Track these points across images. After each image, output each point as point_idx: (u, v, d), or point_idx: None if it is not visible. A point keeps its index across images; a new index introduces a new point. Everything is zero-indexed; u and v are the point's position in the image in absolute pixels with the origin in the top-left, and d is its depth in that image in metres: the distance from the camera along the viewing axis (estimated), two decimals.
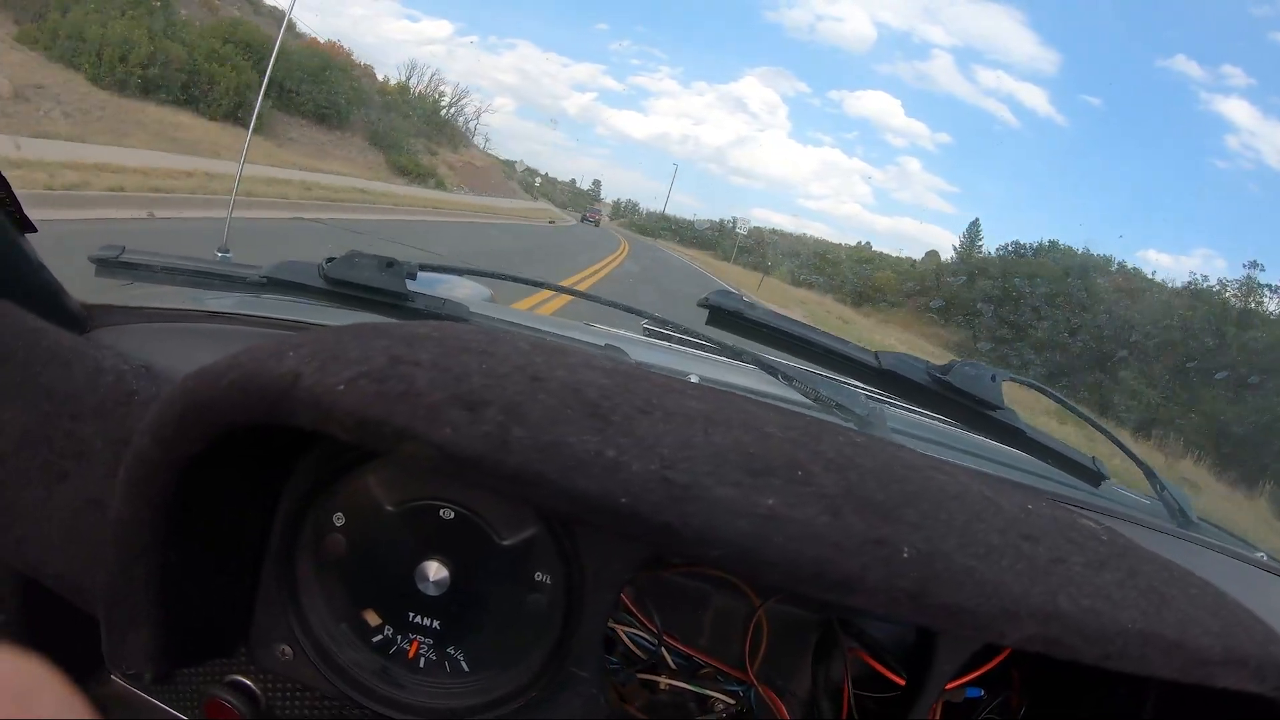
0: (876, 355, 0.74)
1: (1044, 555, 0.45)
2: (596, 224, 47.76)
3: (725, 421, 0.45)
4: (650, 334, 1.10)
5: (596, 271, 14.43)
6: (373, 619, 0.57)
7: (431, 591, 0.55)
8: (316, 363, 0.42)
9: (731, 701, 0.64)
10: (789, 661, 0.66)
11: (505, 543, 0.54)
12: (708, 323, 0.71)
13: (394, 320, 0.64)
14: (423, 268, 0.73)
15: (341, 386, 0.41)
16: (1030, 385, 0.89)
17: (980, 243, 36.74)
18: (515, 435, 0.39)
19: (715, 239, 57.59)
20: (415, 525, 0.55)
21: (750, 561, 0.38)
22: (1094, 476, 0.87)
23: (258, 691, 0.61)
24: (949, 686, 0.65)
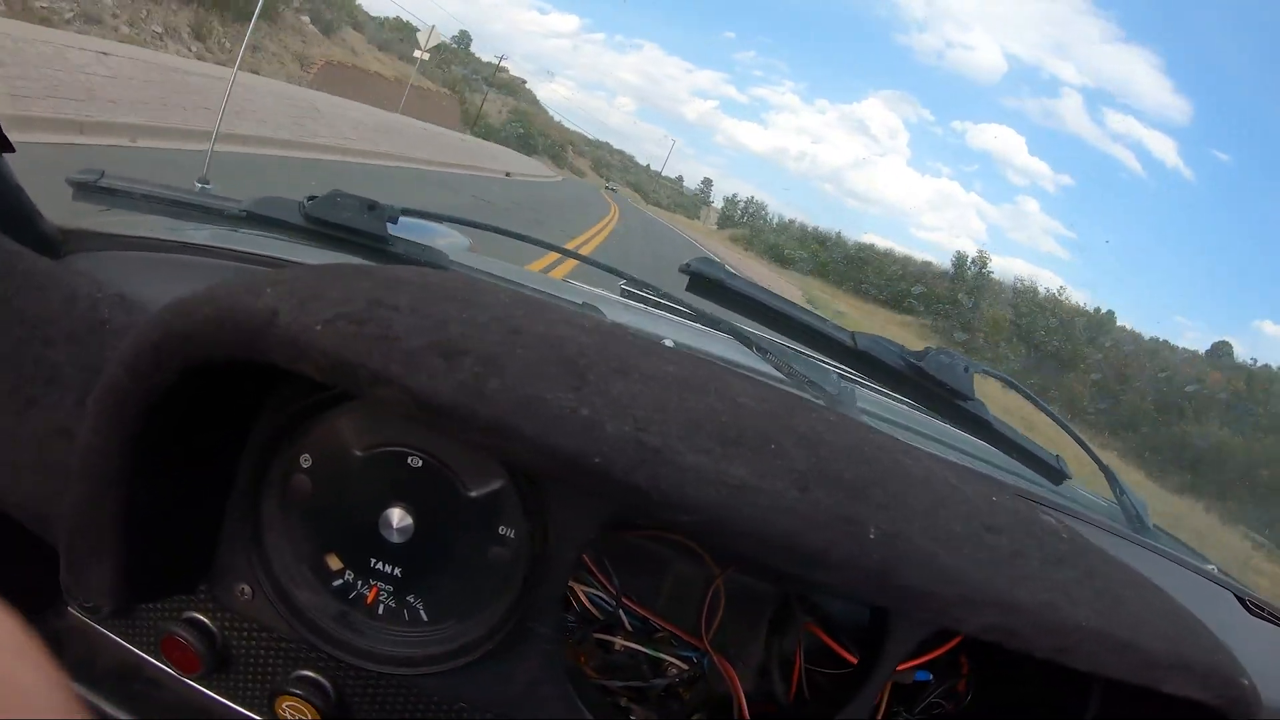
0: (853, 335, 0.75)
1: (1005, 547, 0.46)
2: None
3: (700, 388, 0.45)
4: (628, 295, 1.09)
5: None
6: (334, 563, 0.57)
7: (394, 539, 0.55)
8: (295, 300, 0.42)
9: (684, 666, 0.65)
10: (744, 631, 0.67)
11: (471, 494, 0.55)
12: (687, 289, 0.71)
13: (374, 263, 0.63)
14: (405, 212, 0.72)
15: (319, 326, 0.41)
16: (1002, 379, 0.90)
17: None
18: (491, 386, 0.39)
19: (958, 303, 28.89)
20: (382, 471, 0.55)
21: (720, 530, 0.39)
22: (1056, 474, 0.89)
23: (214, 629, 0.61)
24: (900, 668, 0.67)
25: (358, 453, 0.55)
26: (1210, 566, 0.97)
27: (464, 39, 68.90)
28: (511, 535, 0.55)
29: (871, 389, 1.05)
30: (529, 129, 56.97)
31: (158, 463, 0.49)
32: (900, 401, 1.05)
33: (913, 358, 0.75)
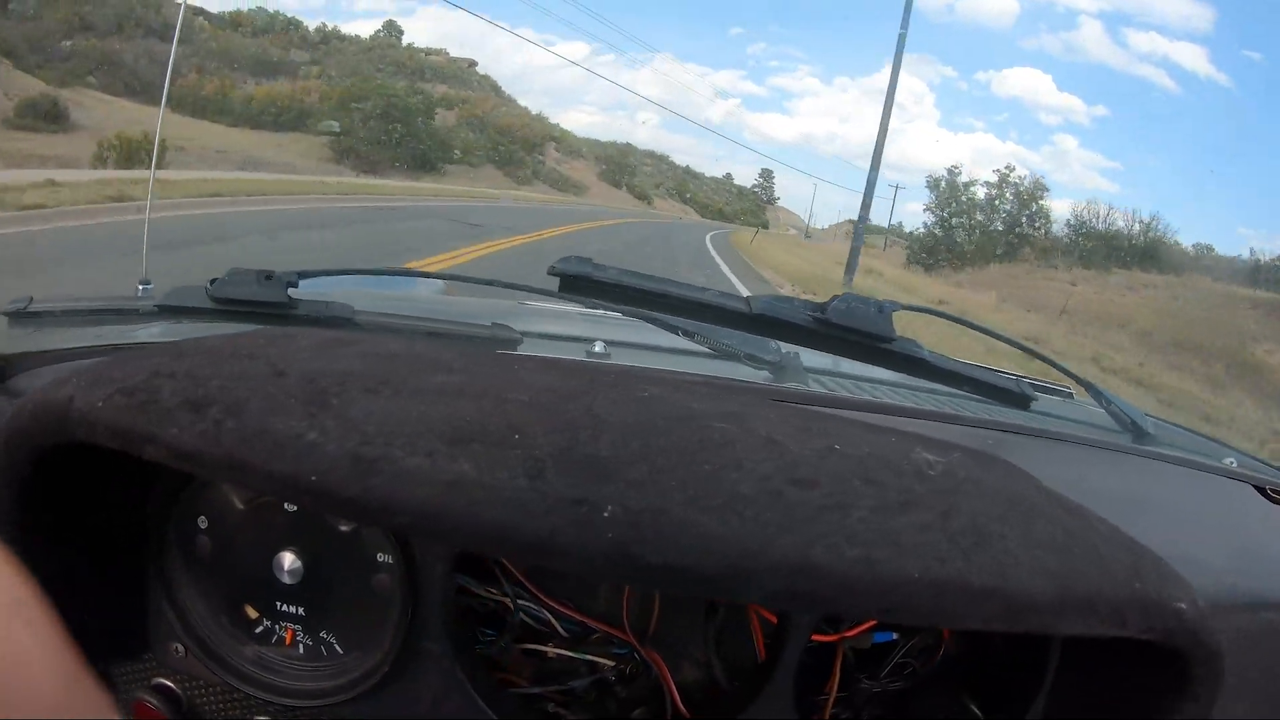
0: (748, 301, 0.72)
1: (815, 501, 0.44)
2: None
3: (467, 393, 0.46)
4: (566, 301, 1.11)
5: None
6: (252, 612, 0.61)
7: (288, 580, 0.58)
8: (86, 385, 0.47)
9: (610, 664, 0.65)
10: (682, 621, 0.66)
11: (342, 529, 0.57)
12: (560, 290, 0.71)
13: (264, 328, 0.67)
14: (302, 275, 0.76)
15: (100, 403, 0.45)
16: (927, 311, 0.85)
17: None
18: (228, 428, 0.42)
19: None
20: (266, 520, 0.58)
21: (432, 528, 0.39)
22: (1019, 399, 0.82)
23: (179, 692, 0.66)
24: (852, 634, 0.64)
25: (241, 506, 0.59)
26: (1229, 459, 0.88)
27: (392, 29, 49.49)
28: (388, 560, 0.57)
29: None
30: (407, 125, 32.89)
31: (53, 542, 0.54)
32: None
33: (816, 311, 0.72)
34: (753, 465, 0.44)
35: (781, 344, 0.86)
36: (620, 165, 56.88)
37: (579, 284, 0.70)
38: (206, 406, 0.43)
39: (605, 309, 0.90)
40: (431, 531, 0.40)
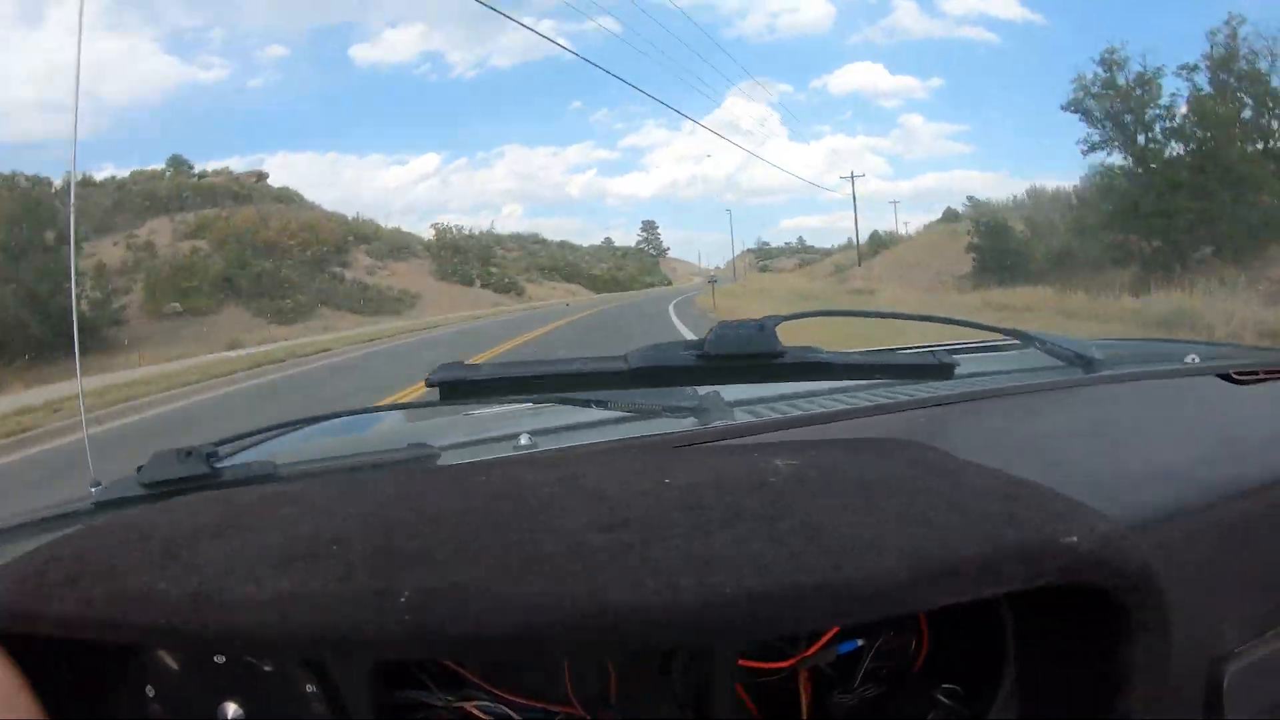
0: (625, 358, 0.74)
1: (620, 542, 0.45)
2: None
3: (302, 519, 0.50)
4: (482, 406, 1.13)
5: None
6: None
7: None
8: None
9: None
10: (644, 682, 0.66)
11: (268, 669, 0.59)
12: (442, 399, 0.73)
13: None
14: (220, 444, 0.81)
15: (2, 593, 0.49)
16: (810, 315, 0.86)
17: None
18: (97, 593, 0.46)
19: None
20: (200, 677, 0.60)
21: (264, 645, 0.43)
22: (941, 370, 0.82)
23: None
24: (809, 653, 0.63)
25: (176, 668, 0.61)
26: (1190, 356, 0.87)
27: (179, 164, 38.64)
28: (317, 690, 0.58)
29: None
30: None
31: None
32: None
33: (693, 348, 0.73)
34: (563, 522, 0.46)
35: (702, 386, 0.87)
36: (464, 252, 42.53)
37: (459, 389, 0.73)
38: (81, 579, 0.47)
39: (527, 403, 0.93)
40: (265, 649, 0.42)
